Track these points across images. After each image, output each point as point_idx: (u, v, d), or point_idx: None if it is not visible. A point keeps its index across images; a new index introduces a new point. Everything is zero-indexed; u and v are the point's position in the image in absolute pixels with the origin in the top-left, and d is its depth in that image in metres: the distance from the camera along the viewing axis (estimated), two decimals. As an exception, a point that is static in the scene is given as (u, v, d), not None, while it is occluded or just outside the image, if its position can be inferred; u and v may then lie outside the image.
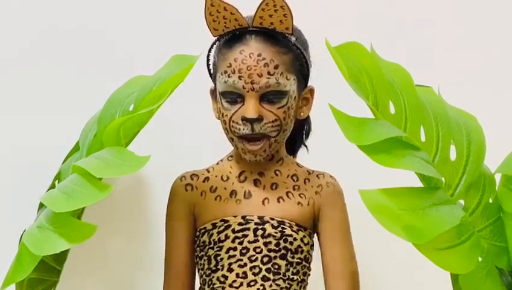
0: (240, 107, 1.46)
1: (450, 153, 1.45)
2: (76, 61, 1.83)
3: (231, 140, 1.50)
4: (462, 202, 1.46)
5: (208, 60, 1.53)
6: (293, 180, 1.53)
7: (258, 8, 1.45)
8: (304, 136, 1.60)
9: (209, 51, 1.52)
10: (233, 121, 1.47)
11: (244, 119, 1.45)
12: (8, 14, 1.83)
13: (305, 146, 1.61)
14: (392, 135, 1.36)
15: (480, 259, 1.42)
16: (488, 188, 1.47)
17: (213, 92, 1.54)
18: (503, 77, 1.85)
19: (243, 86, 1.45)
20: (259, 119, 1.45)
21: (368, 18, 1.84)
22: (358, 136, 1.33)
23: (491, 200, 1.47)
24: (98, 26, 1.84)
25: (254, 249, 1.48)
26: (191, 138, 1.82)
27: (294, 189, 1.52)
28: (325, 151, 1.74)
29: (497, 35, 1.87)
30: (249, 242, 1.48)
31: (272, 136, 1.47)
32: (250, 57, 1.45)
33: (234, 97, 1.46)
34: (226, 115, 1.47)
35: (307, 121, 1.59)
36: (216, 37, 1.49)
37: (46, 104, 1.82)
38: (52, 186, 1.63)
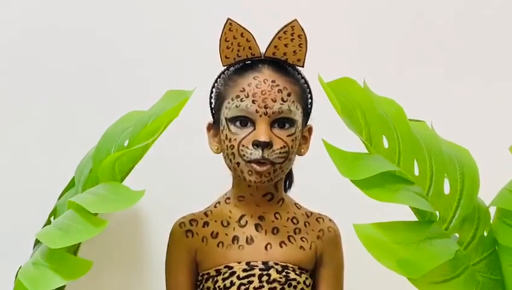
0: (251, 132, 1.45)
1: (444, 186, 1.45)
2: (71, 97, 1.84)
3: (236, 165, 1.47)
4: (456, 235, 1.46)
5: (211, 92, 1.53)
6: (293, 223, 1.52)
7: (274, 37, 1.46)
8: (286, 187, 1.59)
9: (215, 82, 1.52)
10: (243, 145, 1.45)
11: (255, 143, 1.44)
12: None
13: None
14: (386, 170, 1.36)
15: (475, 293, 1.43)
16: (483, 221, 1.47)
17: (210, 128, 1.53)
18: (495, 110, 1.86)
19: (256, 110, 1.45)
20: (270, 144, 1.45)
21: (360, 52, 1.86)
22: (352, 171, 1.34)
23: (485, 234, 1.47)
24: (93, 61, 1.85)
25: None
26: (186, 171, 1.82)
27: (295, 233, 1.52)
28: (320, 186, 1.75)
29: (488, 68, 1.88)
30: (255, 288, 1.47)
31: (277, 163, 1.46)
32: (264, 83, 1.46)
33: (244, 122, 1.46)
34: (235, 140, 1.46)
35: (289, 173, 1.57)
36: (224, 67, 1.50)
37: (42, 140, 1.83)
38: (48, 223, 1.63)
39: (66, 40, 1.85)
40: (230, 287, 1.48)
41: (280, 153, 1.46)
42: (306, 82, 1.51)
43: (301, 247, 1.51)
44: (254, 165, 1.45)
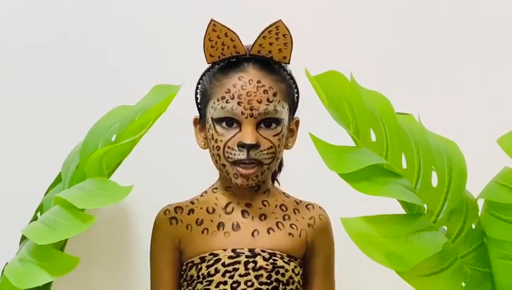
0: (237, 133, 1.45)
1: (432, 179, 1.45)
2: (58, 92, 1.83)
3: (222, 166, 1.47)
4: (445, 228, 1.46)
5: (197, 88, 1.52)
6: (282, 210, 1.52)
7: (259, 36, 1.45)
8: (276, 170, 1.58)
9: (201, 78, 1.51)
10: (228, 147, 1.45)
11: (240, 145, 1.44)
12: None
13: (277, 181, 1.59)
14: (373, 163, 1.36)
15: (463, 285, 1.42)
16: (471, 213, 1.47)
17: (197, 122, 1.53)
18: (482, 102, 1.87)
19: (242, 112, 1.44)
20: (257, 145, 1.44)
21: (347, 46, 1.86)
22: (339, 165, 1.33)
23: (473, 226, 1.47)
24: (80, 57, 1.84)
25: (245, 283, 1.45)
26: (174, 167, 1.82)
27: (284, 219, 1.51)
28: (307, 180, 1.75)
29: (475, 62, 1.88)
30: (240, 276, 1.46)
31: (265, 163, 1.46)
32: (249, 83, 1.45)
33: (230, 122, 1.45)
34: (221, 141, 1.46)
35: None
36: (209, 64, 1.49)
37: (28, 135, 1.82)
38: (35, 219, 1.61)
39: (55, 36, 1.84)
40: (214, 274, 1.46)
41: (267, 153, 1.46)
42: (292, 78, 1.50)
43: (290, 234, 1.50)
44: (239, 169, 1.45)
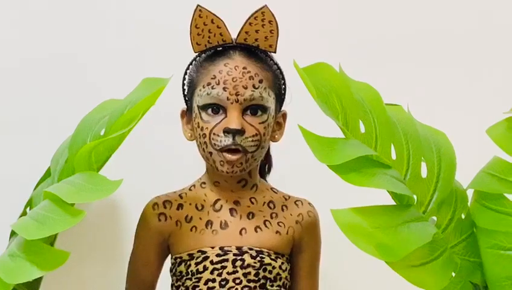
0: (222, 119, 1.44)
1: (421, 170, 1.45)
2: (46, 87, 1.83)
3: (209, 154, 1.46)
4: (434, 218, 1.46)
5: (184, 78, 1.52)
6: (270, 208, 1.51)
7: (245, 22, 1.45)
8: (266, 172, 1.58)
9: (187, 68, 1.51)
10: (214, 134, 1.45)
11: (226, 131, 1.43)
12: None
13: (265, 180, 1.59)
14: (363, 154, 1.36)
15: (453, 275, 1.43)
16: (460, 204, 1.48)
17: (184, 114, 1.52)
18: (471, 93, 1.87)
19: (227, 98, 1.44)
20: (242, 131, 1.44)
21: (334, 38, 1.86)
22: (328, 156, 1.33)
23: (463, 216, 1.48)
24: (69, 50, 1.84)
25: (233, 281, 1.46)
26: (163, 160, 1.82)
27: (271, 217, 1.51)
28: (297, 172, 1.75)
29: (464, 52, 1.89)
30: (228, 273, 1.46)
31: (250, 151, 1.45)
32: (235, 70, 1.45)
33: (216, 109, 1.45)
34: (207, 128, 1.45)
35: (268, 158, 1.57)
36: (196, 54, 1.49)
37: (17, 130, 1.82)
38: (24, 214, 1.62)
39: (46, 28, 1.84)
40: (203, 271, 1.46)
41: (252, 140, 1.45)
42: (279, 68, 1.50)
43: (277, 232, 1.50)
44: (226, 155, 1.44)
